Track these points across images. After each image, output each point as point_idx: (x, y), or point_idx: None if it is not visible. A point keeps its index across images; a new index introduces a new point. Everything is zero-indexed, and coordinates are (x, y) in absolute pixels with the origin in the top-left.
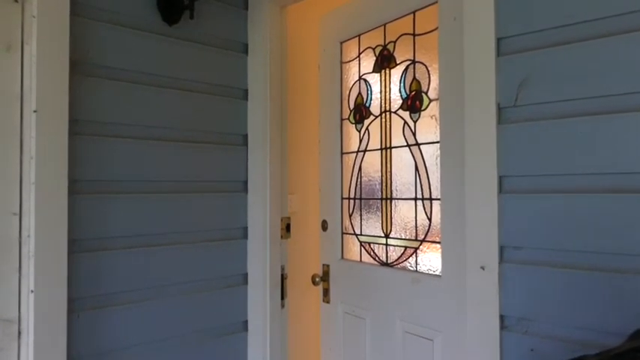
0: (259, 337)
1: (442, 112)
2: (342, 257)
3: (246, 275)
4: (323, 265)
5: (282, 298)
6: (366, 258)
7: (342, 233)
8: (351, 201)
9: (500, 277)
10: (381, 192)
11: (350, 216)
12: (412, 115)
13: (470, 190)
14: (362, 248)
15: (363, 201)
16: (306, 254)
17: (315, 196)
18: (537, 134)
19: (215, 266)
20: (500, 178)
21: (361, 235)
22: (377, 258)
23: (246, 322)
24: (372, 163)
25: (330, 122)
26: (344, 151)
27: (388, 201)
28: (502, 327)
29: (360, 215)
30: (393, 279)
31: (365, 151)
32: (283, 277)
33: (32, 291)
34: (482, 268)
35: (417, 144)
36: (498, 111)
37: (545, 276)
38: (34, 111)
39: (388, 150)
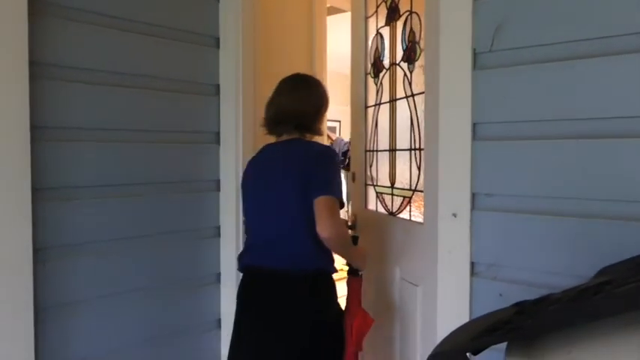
0: (232, 289)
1: (426, 60)
2: (366, 207)
3: (218, 228)
4: (352, 214)
5: None
6: (380, 208)
7: (365, 184)
8: (370, 153)
9: (472, 224)
10: (389, 144)
11: (370, 167)
12: (409, 66)
13: (444, 137)
14: (377, 198)
15: (378, 153)
16: None
17: None
18: (513, 80)
19: (186, 218)
20: (474, 125)
21: (377, 185)
22: (386, 207)
23: (219, 274)
24: (384, 115)
25: (357, 77)
26: (367, 104)
27: (393, 152)
28: (472, 273)
29: (377, 167)
30: (395, 227)
31: (379, 104)
32: None
33: None
34: (454, 215)
35: (412, 95)
36: (474, 56)
37: (515, 222)
38: None
39: (394, 102)
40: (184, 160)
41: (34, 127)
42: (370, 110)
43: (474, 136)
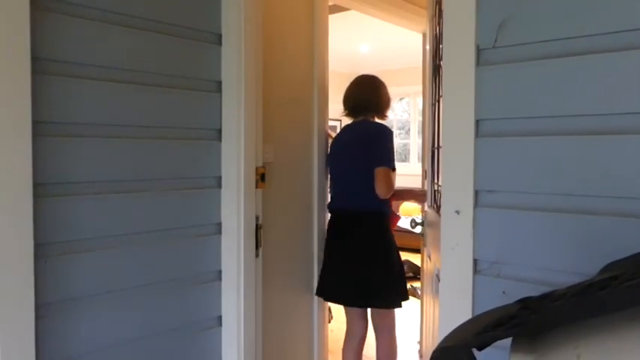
0: (233, 285)
1: (442, 58)
2: (431, 205)
3: (220, 225)
4: (424, 210)
5: (257, 247)
6: (435, 205)
7: (432, 182)
8: (433, 150)
9: (475, 221)
10: (437, 141)
11: (432, 164)
12: (442, 63)
13: (447, 133)
14: (434, 195)
15: (435, 150)
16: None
17: (295, 146)
18: (516, 76)
19: (188, 215)
20: (478, 122)
21: (434, 182)
22: (435, 204)
23: (220, 271)
24: (436, 113)
25: (426, 75)
26: (432, 102)
27: (437, 149)
28: (475, 271)
29: (434, 163)
30: (436, 224)
31: (435, 102)
32: (258, 227)
33: None
34: (457, 212)
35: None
36: (477, 52)
37: (518, 219)
38: None
39: (439, 100)
40: (186, 157)
41: (35, 122)
42: (433, 108)
43: (477, 132)
